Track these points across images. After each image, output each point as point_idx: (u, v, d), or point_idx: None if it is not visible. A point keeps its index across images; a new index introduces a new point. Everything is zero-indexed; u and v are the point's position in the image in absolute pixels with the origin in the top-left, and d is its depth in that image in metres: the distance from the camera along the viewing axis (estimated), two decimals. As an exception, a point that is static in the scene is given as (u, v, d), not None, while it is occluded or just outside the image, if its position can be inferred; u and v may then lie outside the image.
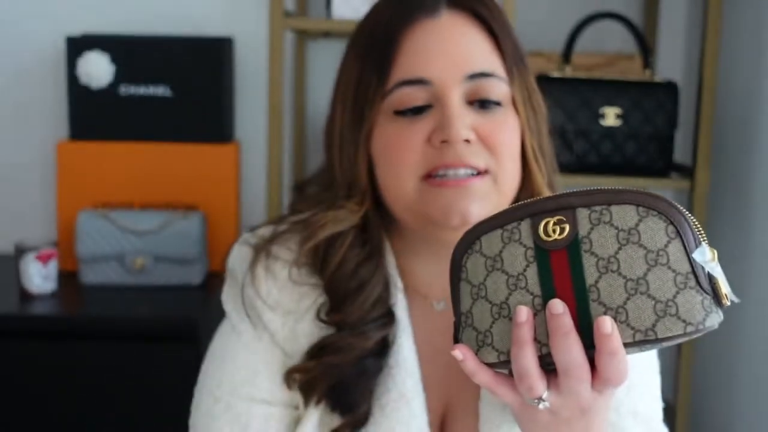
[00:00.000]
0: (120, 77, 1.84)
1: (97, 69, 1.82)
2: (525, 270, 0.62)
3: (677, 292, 0.58)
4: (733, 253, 1.73)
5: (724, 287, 0.60)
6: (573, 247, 0.60)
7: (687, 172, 1.72)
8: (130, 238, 1.75)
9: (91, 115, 1.86)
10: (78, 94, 1.84)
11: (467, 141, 0.81)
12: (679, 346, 1.70)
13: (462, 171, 0.81)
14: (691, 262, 0.59)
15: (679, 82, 1.82)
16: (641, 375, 0.90)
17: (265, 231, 0.91)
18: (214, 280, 1.78)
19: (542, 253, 0.61)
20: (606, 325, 0.59)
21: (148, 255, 1.75)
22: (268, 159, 1.68)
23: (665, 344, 0.60)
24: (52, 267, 1.69)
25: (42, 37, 2.00)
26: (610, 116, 1.66)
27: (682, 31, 2.01)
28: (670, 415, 1.78)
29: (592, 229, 0.60)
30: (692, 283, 0.59)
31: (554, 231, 0.61)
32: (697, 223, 0.61)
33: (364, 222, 0.87)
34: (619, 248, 0.59)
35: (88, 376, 1.57)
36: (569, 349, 0.60)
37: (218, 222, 1.86)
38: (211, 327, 0.98)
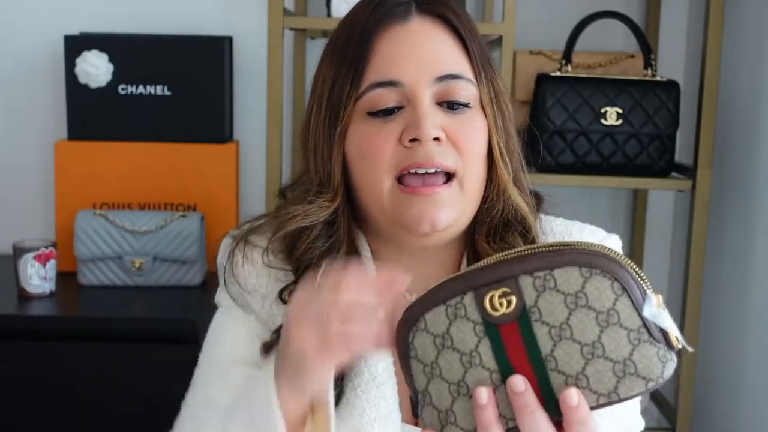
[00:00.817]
0: (119, 76, 1.84)
1: (96, 68, 1.82)
2: (477, 346, 0.60)
3: (633, 349, 0.59)
4: (735, 253, 1.72)
5: (674, 331, 0.60)
6: (522, 318, 0.59)
7: (688, 171, 1.72)
8: (129, 239, 1.74)
9: (90, 115, 1.85)
10: (76, 93, 1.84)
11: (437, 140, 0.84)
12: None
13: (432, 170, 0.84)
14: (641, 316, 0.59)
15: (681, 82, 1.81)
16: None
17: (247, 225, 0.98)
18: (213, 280, 1.78)
19: (492, 327, 0.60)
20: (573, 397, 0.59)
21: (147, 255, 1.75)
22: (267, 158, 1.67)
23: (629, 401, 0.60)
24: (51, 267, 1.68)
25: (40, 36, 1.99)
26: (612, 116, 1.66)
27: (684, 30, 2.01)
28: (670, 415, 1.77)
29: (538, 297, 0.59)
30: (645, 336, 0.59)
31: (501, 304, 0.60)
32: (639, 271, 0.60)
33: (333, 218, 0.91)
34: (570, 314, 0.59)
35: (87, 377, 1.57)
36: (537, 426, 0.60)
37: (217, 222, 1.85)
38: (209, 327, 0.99)
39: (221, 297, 0.98)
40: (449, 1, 0.90)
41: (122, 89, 1.84)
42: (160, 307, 1.67)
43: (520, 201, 0.90)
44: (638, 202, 2.05)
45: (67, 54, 1.83)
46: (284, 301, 0.91)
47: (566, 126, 1.66)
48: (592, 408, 0.60)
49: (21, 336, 1.58)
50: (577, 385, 0.59)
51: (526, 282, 0.59)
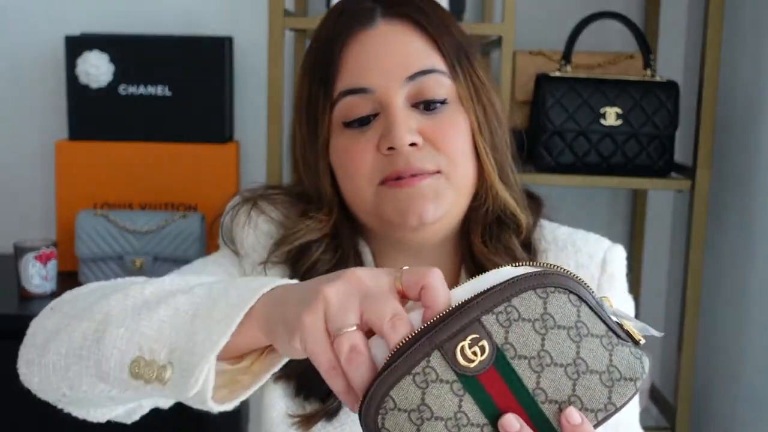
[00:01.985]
0: (119, 77, 1.84)
1: (97, 68, 1.82)
2: (460, 406, 0.56)
3: (610, 355, 0.58)
4: (735, 253, 1.73)
5: (633, 327, 0.59)
6: (499, 360, 0.56)
7: (688, 171, 1.72)
8: (130, 239, 1.75)
9: (91, 115, 1.86)
10: (77, 93, 1.84)
11: (414, 145, 0.82)
12: (679, 346, 1.69)
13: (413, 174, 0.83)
14: (603, 320, 0.58)
15: (680, 82, 1.82)
16: None
17: (260, 188, 0.98)
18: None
19: (470, 380, 0.55)
20: (574, 416, 0.57)
21: (148, 255, 1.75)
22: (267, 158, 1.67)
23: (621, 410, 0.59)
24: (52, 267, 1.69)
25: (41, 36, 2.00)
26: (611, 116, 1.66)
27: (683, 30, 2.01)
28: (670, 415, 1.78)
29: (507, 332, 0.56)
30: (615, 339, 0.58)
31: (474, 353, 0.55)
32: (581, 280, 0.59)
33: (334, 231, 0.90)
34: (543, 339, 0.56)
35: (88, 377, 1.57)
36: None
37: (217, 222, 1.85)
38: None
39: (219, 243, 0.98)
40: None
41: (123, 89, 1.85)
42: (160, 306, 1.68)
43: (507, 196, 0.88)
44: (638, 202, 2.05)
45: (67, 54, 1.83)
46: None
47: (566, 126, 1.66)
48: (595, 426, 0.58)
49: (22, 336, 1.58)
50: None
51: (489, 321, 0.56)
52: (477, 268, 0.89)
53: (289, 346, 0.59)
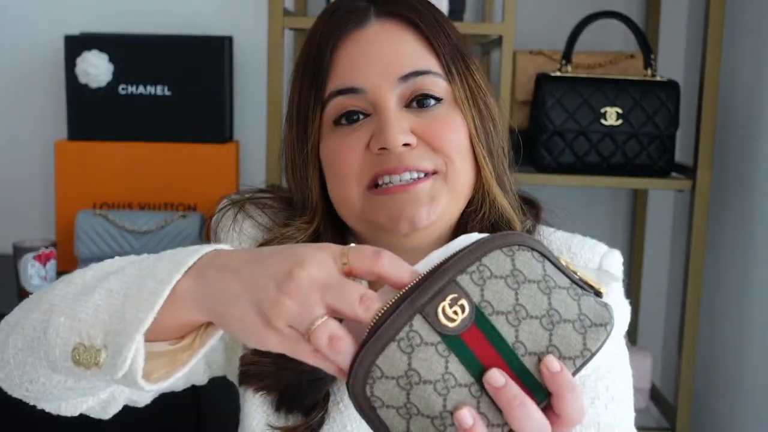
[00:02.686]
0: (119, 76, 1.84)
1: (96, 68, 1.82)
2: (447, 367, 0.56)
3: (578, 304, 0.59)
4: (735, 253, 1.73)
5: (593, 280, 0.62)
6: (479, 318, 0.57)
7: (688, 171, 1.72)
8: (129, 238, 1.75)
9: (90, 115, 1.85)
10: (77, 93, 1.84)
11: (408, 145, 0.80)
12: (679, 346, 1.69)
13: (407, 175, 0.80)
14: (565, 273, 0.60)
15: (681, 82, 1.81)
16: (607, 384, 0.89)
17: (251, 190, 0.95)
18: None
19: (453, 340, 0.56)
20: (553, 363, 0.57)
21: (147, 255, 1.75)
22: (267, 158, 1.67)
23: (596, 355, 0.60)
24: (51, 267, 1.68)
25: (40, 36, 2.00)
26: (611, 116, 1.66)
27: (684, 30, 2.01)
28: (670, 415, 1.78)
29: (482, 290, 0.57)
30: (579, 290, 0.60)
31: (455, 312, 0.56)
32: (539, 240, 0.61)
33: (314, 238, 0.88)
34: (516, 293, 0.58)
35: (87, 377, 1.57)
36: (530, 416, 0.57)
37: (217, 222, 1.85)
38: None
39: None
40: None
41: (122, 89, 1.84)
42: (160, 307, 1.67)
43: (504, 202, 0.86)
44: (638, 202, 2.05)
45: (67, 54, 1.83)
46: None
47: (566, 126, 1.66)
48: (574, 374, 0.59)
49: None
50: None
51: (465, 280, 0.57)
52: None
53: (254, 341, 0.58)
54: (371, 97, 0.81)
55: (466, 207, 0.86)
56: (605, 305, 0.61)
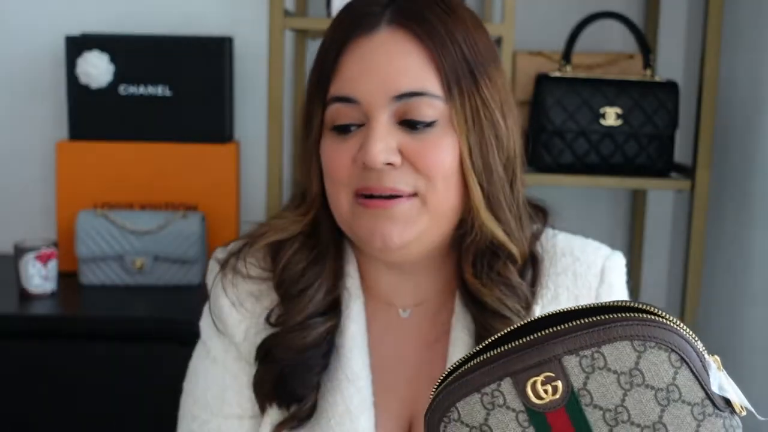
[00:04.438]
0: (119, 77, 1.84)
1: (97, 69, 1.82)
2: None
3: (698, 426, 0.54)
4: (734, 253, 1.73)
5: (737, 396, 0.56)
6: (571, 404, 0.53)
7: (687, 172, 1.72)
8: (130, 239, 1.75)
9: (91, 115, 1.86)
10: (77, 93, 1.84)
11: (391, 164, 0.80)
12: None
13: (387, 192, 0.80)
14: (704, 386, 0.54)
15: (680, 82, 1.82)
16: None
17: (234, 246, 0.95)
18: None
19: (537, 416, 0.54)
20: None
21: (148, 255, 1.75)
22: (267, 159, 1.67)
23: None
24: (52, 267, 1.69)
25: (41, 36, 2.00)
26: (611, 116, 1.66)
27: (683, 30, 2.01)
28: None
29: (587, 378, 0.53)
30: (710, 409, 0.54)
31: (546, 391, 0.53)
32: (692, 333, 0.55)
33: (312, 228, 0.89)
34: (625, 394, 0.53)
35: (88, 377, 1.57)
36: None
37: (218, 222, 1.86)
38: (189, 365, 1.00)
39: (203, 324, 0.96)
40: (432, 6, 0.83)
41: (123, 89, 1.85)
42: (160, 307, 1.68)
43: (494, 227, 0.83)
44: (637, 202, 2.05)
45: (68, 54, 1.83)
46: (271, 324, 0.89)
47: (566, 126, 1.67)
48: None
49: (22, 336, 1.58)
50: None
51: (571, 363, 0.53)
52: (471, 296, 0.86)
53: None
54: (365, 109, 0.81)
55: (458, 228, 0.85)
56: (734, 431, 0.55)
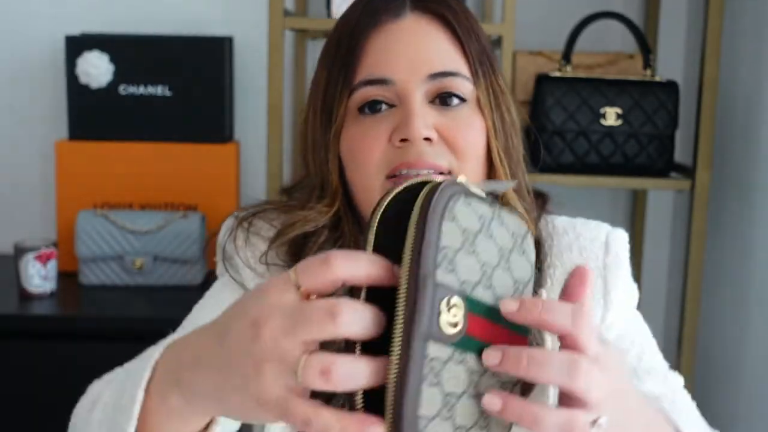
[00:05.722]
0: (119, 77, 1.84)
1: (97, 68, 1.82)
2: (469, 369, 0.54)
3: (506, 227, 0.58)
4: (734, 252, 1.73)
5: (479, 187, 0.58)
6: (469, 303, 0.53)
7: (687, 171, 1.72)
8: (130, 239, 1.75)
9: (91, 115, 1.86)
10: (77, 93, 1.84)
11: (428, 140, 0.81)
12: (679, 346, 1.69)
13: (424, 172, 0.81)
14: (478, 196, 0.56)
15: (680, 82, 1.82)
16: (632, 337, 0.93)
17: (252, 209, 0.95)
18: (214, 280, 1.78)
19: (461, 342, 0.53)
20: (508, 305, 0.55)
21: (148, 255, 1.75)
22: (267, 159, 1.67)
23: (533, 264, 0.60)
24: (52, 267, 1.69)
25: (41, 36, 2.00)
26: (611, 116, 1.66)
27: (683, 30, 2.01)
28: (670, 415, 1.78)
29: (456, 274, 0.53)
30: (497, 208, 0.57)
31: (454, 315, 0.52)
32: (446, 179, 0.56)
33: (335, 222, 0.89)
34: (476, 256, 0.54)
35: (88, 377, 1.57)
36: (549, 359, 0.54)
37: (218, 222, 1.84)
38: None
39: (218, 269, 0.98)
40: None
41: (123, 89, 1.85)
42: (160, 306, 1.68)
43: (520, 209, 0.86)
44: (637, 202, 2.05)
45: (68, 54, 1.83)
46: None
47: (566, 126, 1.67)
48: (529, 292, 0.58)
49: (22, 336, 1.58)
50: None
51: (443, 276, 0.52)
52: None
53: (264, 419, 0.55)
54: (399, 89, 0.82)
55: None
56: (510, 209, 0.60)
